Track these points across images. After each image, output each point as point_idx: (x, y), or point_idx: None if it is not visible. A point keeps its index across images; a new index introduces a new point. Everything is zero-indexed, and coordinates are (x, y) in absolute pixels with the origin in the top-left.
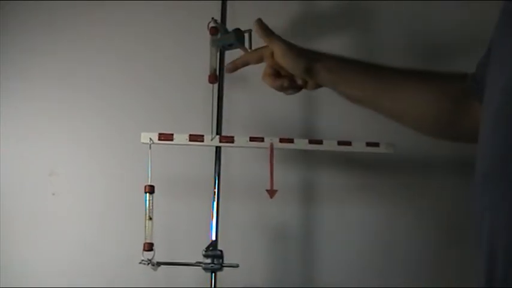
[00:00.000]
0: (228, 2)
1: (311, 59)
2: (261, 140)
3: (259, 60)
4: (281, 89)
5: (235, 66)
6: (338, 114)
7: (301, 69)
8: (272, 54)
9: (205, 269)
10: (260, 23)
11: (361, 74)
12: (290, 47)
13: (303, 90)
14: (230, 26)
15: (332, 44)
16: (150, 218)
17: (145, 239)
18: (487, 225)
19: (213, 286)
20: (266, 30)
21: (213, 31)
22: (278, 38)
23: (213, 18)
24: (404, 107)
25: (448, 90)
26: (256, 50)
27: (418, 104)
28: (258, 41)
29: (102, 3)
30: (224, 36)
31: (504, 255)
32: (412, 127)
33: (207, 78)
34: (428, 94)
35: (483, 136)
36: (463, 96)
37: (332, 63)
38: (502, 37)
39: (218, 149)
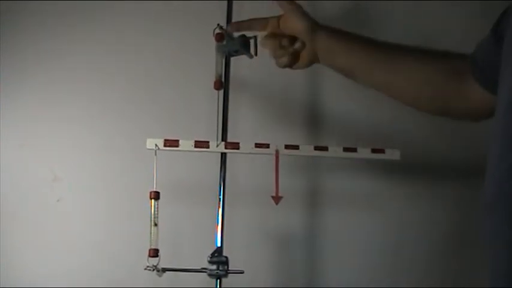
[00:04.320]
0: (233, 6)
1: (316, 23)
2: (267, 146)
3: (264, 27)
4: (278, 51)
5: (238, 27)
6: (343, 121)
7: (305, 26)
8: (278, 23)
9: (210, 275)
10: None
11: (359, 43)
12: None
13: (308, 96)
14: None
15: None
16: (156, 224)
17: (151, 245)
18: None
19: None
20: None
21: (219, 37)
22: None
23: (218, 24)
24: (400, 81)
25: (446, 67)
26: (263, 18)
27: (414, 79)
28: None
29: (104, 8)
30: (229, 43)
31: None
32: (409, 103)
33: (212, 84)
34: (425, 69)
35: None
36: (460, 74)
37: (333, 32)
38: None
39: (223, 156)
